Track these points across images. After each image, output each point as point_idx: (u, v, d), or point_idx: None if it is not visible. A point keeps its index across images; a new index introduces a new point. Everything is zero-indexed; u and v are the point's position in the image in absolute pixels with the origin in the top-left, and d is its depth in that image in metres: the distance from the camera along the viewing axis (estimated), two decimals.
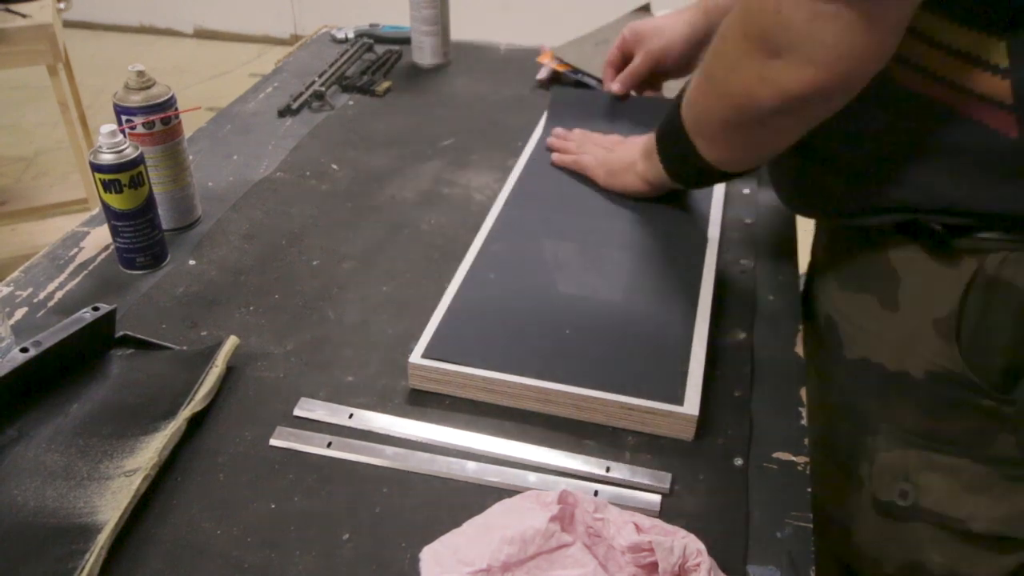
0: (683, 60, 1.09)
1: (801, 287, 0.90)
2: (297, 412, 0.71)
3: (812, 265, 0.89)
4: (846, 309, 0.78)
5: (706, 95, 0.72)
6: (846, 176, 0.71)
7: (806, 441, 0.70)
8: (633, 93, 1.14)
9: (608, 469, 0.66)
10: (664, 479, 0.65)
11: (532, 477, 0.66)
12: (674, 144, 0.81)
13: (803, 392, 0.75)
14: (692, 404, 0.69)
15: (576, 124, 1.09)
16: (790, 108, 0.63)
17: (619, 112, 1.12)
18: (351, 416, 0.71)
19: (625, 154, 0.94)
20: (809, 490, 0.66)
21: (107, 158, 0.81)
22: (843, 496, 0.80)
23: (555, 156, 1.02)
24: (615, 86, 1.13)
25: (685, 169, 0.83)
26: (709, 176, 0.82)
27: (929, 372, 0.71)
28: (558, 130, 1.06)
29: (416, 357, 0.73)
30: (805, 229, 0.93)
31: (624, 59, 1.13)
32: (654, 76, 1.12)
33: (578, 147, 1.01)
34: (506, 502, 0.59)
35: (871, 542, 0.79)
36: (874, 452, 0.76)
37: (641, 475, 0.66)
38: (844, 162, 0.71)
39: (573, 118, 1.11)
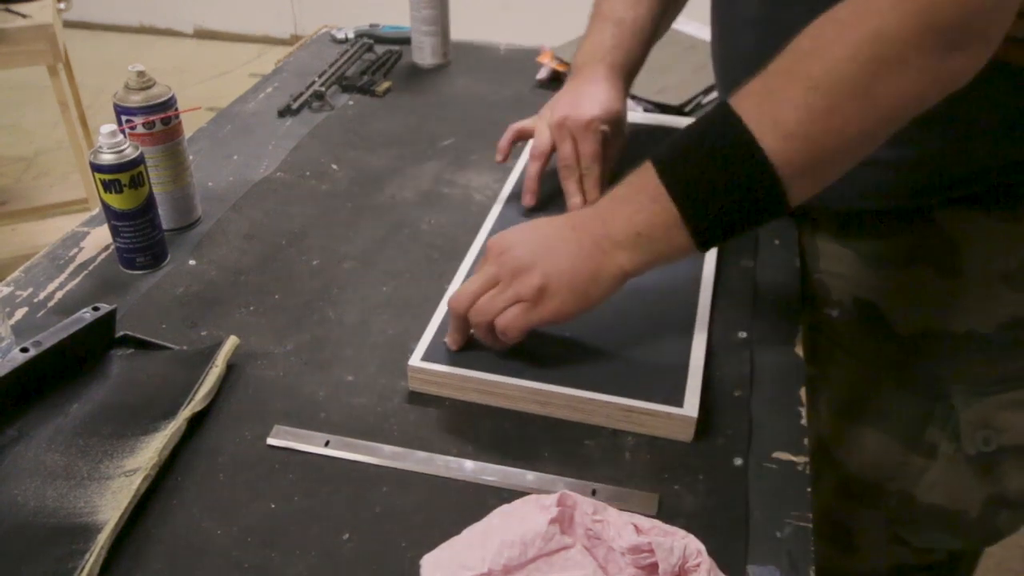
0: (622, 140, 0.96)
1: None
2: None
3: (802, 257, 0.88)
4: (890, 287, 0.77)
5: (848, 115, 0.58)
6: (914, 160, 0.69)
7: (806, 441, 0.70)
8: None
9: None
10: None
11: (530, 476, 0.66)
12: (740, 204, 0.63)
13: (803, 392, 0.75)
14: (691, 406, 0.69)
15: None
16: (937, 99, 0.58)
17: None
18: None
19: (573, 267, 0.68)
20: (809, 490, 0.66)
21: (107, 158, 0.81)
22: (904, 466, 0.80)
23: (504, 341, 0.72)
24: (583, 201, 0.90)
25: (738, 230, 0.66)
26: (760, 224, 0.67)
27: (1001, 324, 0.73)
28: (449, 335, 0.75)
29: (415, 360, 0.73)
30: None
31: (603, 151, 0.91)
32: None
33: (478, 311, 0.70)
34: (505, 508, 0.59)
35: (953, 496, 0.80)
36: (948, 414, 0.77)
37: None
38: (914, 146, 0.69)
39: None
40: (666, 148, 0.66)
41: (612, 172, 0.93)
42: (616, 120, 0.92)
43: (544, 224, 0.71)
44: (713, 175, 0.62)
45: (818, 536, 0.91)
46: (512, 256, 0.69)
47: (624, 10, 0.92)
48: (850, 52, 0.56)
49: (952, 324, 0.75)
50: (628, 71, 0.93)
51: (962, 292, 0.74)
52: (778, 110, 0.59)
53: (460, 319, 0.71)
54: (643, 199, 0.65)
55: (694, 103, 1.23)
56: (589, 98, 0.90)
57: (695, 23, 1.43)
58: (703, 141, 0.64)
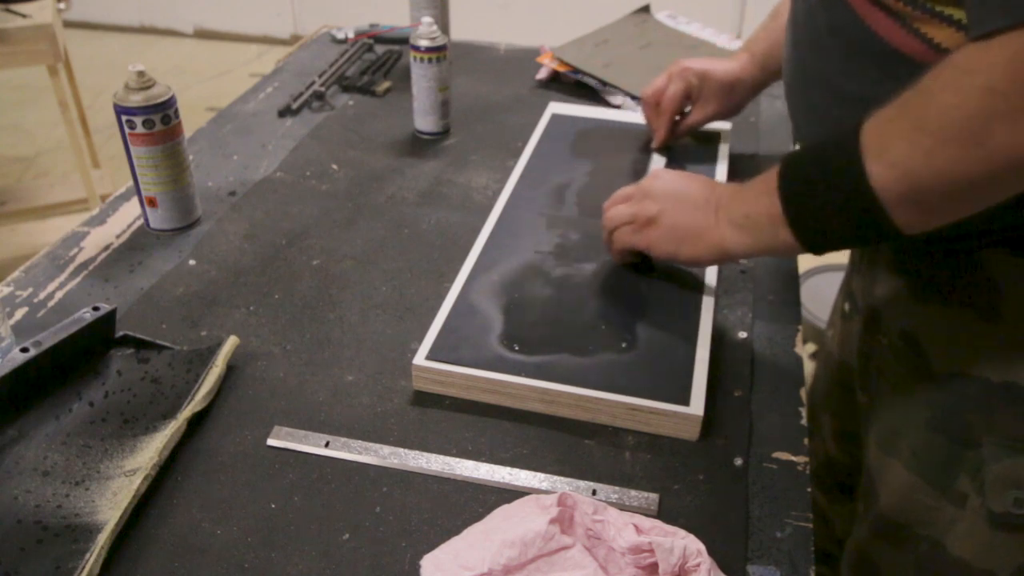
0: (729, 115, 1.06)
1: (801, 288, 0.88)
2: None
3: (854, 273, 0.87)
4: (931, 323, 0.75)
5: (953, 160, 0.58)
6: None
7: (806, 441, 0.70)
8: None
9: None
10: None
11: (530, 476, 0.65)
12: (839, 215, 0.64)
13: (803, 392, 0.75)
14: (698, 404, 0.69)
15: (570, 146, 1.09)
16: None
17: (615, 137, 1.11)
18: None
19: (685, 218, 0.76)
20: (809, 490, 0.66)
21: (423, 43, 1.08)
22: (935, 512, 0.77)
23: (614, 254, 0.85)
24: (657, 142, 1.06)
25: (846, 239, 0.67)
26: (871, 241, 0.70)
27: None
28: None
29: (420, 359, 0.73)
30: None
31: (684, 98, 1.04)
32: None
33: (608, 217, 0.83)
34: (505, 508, 0.59)
35: (981, 554, 0.76)
36: (979, 465, 0.73)
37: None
38: None
39: (568, 139, 1.10)
40: (801, 147, 0.69)
41: (695, 128, 1.07)
42: (715, 83, 1.03)
43: (694, 178, 0.79)
44: (818, 182, 0.64)
45: (846, 568, 0.89)
46: (654, 187, 0.79)
47: (782, 5, 1.00)
48: (959, 100, 0.56)
49: (988, 371, 0.71)
50: (766, 56, 1.01)
51: (1002, 339, 0.70)
52: (889, 138, 0.61)
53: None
54: (762, 188, 0.69)
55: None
56: (706, 61, 1.04)
57: (696, 23, 1.43)
58: (823, 148, 0.65)
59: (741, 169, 1.06)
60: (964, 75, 0.56)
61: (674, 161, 1.05)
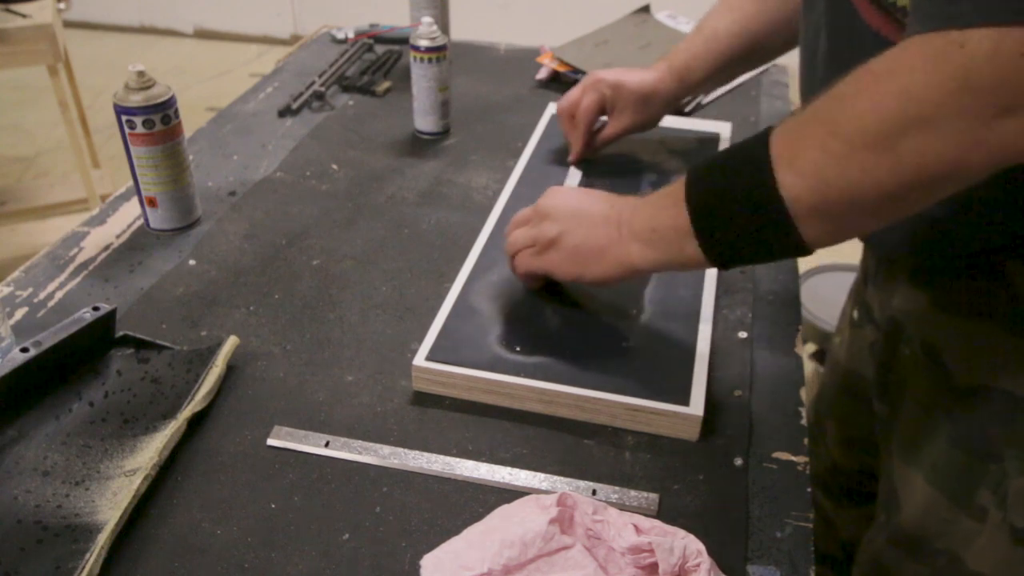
0: (646, 127, 1.04)
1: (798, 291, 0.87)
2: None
3: (869, 284, 0.87)
4: (953, 336, 0.73)
5: (866, 167, 0.55)
6: (978, 213, 0.66)
7: (805, 441, 0.70)
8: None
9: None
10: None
11: (530, 476, 0.65)
12: (744, 228, 0.62)
13: (802, 392, 0.75)
14: (697, 405, 0.69)
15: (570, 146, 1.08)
16: (990, 171, 0.54)
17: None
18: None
19: (587, 237, 0.73)
20: (809, 490, 0.66)
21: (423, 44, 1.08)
22: (954, 525, 0.76)
23: (521, 279, 0.82)
24: (574, 156, 1.04)
25: (752, 254, 0.65)
26: (776, 256, 0.65)
27: None
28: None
29: (420, 359, 0.73)
30: None
31: (599, 111, 1.02)
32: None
33: (509, 243, 0.80)
34: (505, 508, 0.59)
35: (1000, 569, 0.75)
36: (1001, 480, 0.72)
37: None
38: (983, 200, 0.65)
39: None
40: (707, 157, 0.67)
41: (610, 140, 1.04)
42: (629, 94, 1.00)
43: (592, 193, 0.76)
44: (727, 192, 0.62)
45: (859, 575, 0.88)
46: (551, 206, 0.76)
47: (707, 20, 1.01)
48: (874, 104, 0.54)
49: (1011, 384, 0.70)
50: (685, 69, 1.00)
51: None
52: (800, 146, 0.59)
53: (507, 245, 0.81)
54: (669, 200, 0.67)
55: (694, 103, 1.23)
56: (620, 72, 1.01)
57: (695, 24, 1.43)
58: (731, 157, 0.64)
59: None
60: (880, 78, 0.55)
61: (591, 175, 1.03)
